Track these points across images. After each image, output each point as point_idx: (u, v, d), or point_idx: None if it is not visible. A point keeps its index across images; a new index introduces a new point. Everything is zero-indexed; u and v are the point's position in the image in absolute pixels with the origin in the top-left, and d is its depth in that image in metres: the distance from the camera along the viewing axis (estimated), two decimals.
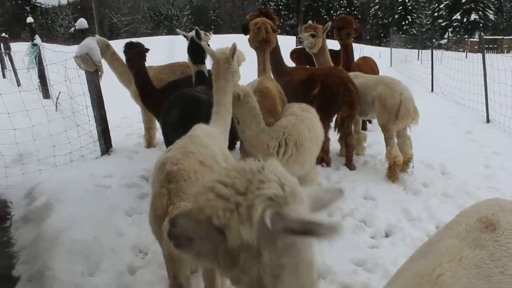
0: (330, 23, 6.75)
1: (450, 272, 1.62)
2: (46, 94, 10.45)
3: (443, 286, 1.58)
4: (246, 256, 1.18)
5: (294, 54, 9.27)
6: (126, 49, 5.75)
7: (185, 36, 6.02)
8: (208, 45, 5.90)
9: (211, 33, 6.83)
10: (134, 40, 6.14)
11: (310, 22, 6.90)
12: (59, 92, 8.55)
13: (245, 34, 5.87)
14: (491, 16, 61.31)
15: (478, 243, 1.70)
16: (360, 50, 21.13)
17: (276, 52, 5.92)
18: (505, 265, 1.63)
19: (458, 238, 1.76)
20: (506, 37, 45.44)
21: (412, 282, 1.65)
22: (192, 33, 5.83)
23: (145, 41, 6.30)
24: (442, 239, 1.86)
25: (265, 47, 5.28)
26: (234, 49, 3.42)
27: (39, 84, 10.57)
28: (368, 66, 8.16)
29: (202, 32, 5.93)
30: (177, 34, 6.20)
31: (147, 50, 5.94)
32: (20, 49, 11.86)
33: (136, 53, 5.70)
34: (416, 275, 1.68)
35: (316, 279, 1.32)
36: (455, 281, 1.59)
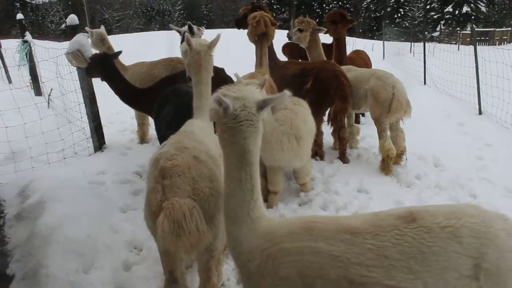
0: (325, 29, 6.81)
1: (320, 225, 1.93)
2: (37, 91, 10.37)
3: (305, 227, 1.93)
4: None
5: (286, 48, 9.25)
6: (92, 62, 5.48)
7: (178, 31, 5.98)
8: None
9: (203, 27, 6.82)
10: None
11: (300, 17, 6.90)
12: (51, 89, 8.50)
13: (238, 28, 5.85)
14: (483, 9, 61.48)
15: (376, 223, 1.86)
16: (352, 43, 21.13)
17: (269, 46, 5.91)
18: (382, 248, 1.77)
19: (371, 216, 1.95)
20: (497, 29, 45.63)
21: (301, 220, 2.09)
22: (185, 28, 5.80)
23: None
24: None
25: (263, 40, 5.27)
26: (217, 40, 3.43)
27: (31, 81, 10.48)
28: (361, 59, 8.16)
29: (195, 27, 5.91)
30: (170, 29, 6.17)
31: (115, 55, 5.76)
32: (10, 46, 11.75)
33: (104, 65, 5.45)
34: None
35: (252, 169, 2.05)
36: (316, 231, 1.89)
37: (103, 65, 5.41)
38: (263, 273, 1.95)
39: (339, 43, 7.25)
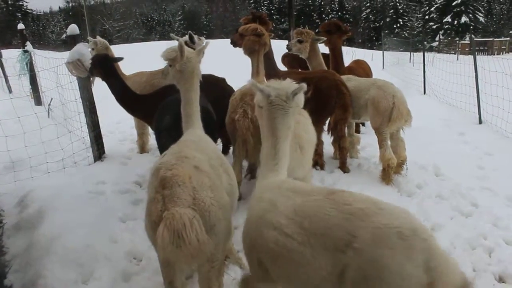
0: (325, 38, 6.78)
1: (286, 184, 2.52)
2: (37, 100, 10.37)
3: (278, 185, 2.51)
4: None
5: (286, 58, 9.27)
6: (93, 62, 5.50)
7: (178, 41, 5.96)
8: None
9: (204, 37, 6.83)
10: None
11: (298, 28, 6.92)
12: (51, 99, 8.49)
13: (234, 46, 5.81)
14: (481, 19, 61.95)
15: (315, 190, 2.31)
16: (352, 53, 21.21)
17: (269, 56, 5.91)
18: (297, 205, 2.21)
19: (324, 188, 2.40)
20: (496, 39, 45.95)
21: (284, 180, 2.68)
22: (186, 37, 5.82)
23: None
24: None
25: (260, 50, 5.26)
26: (206, 47, 3.53)
27: (31, 90, 10.49)
28: (362, 69, 8.17)
29: (195, 37, 5.93)
30: (170, 39, 6.18)
31: (116, 59, 5.80)
32: (11, 56, 11.78)
33: (104, 66, 5.49)
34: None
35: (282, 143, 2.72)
36: (280, 188, 2.45)
37: (103, 66, 5.46)
38: (247, 216, 2.55)
39: (335, 53, 7.26)
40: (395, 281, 1.78)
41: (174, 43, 6.17)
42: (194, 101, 3.38)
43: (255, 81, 2.77)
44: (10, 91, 12.32)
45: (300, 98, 2.76)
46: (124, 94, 5.48)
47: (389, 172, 5.46)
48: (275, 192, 2.42)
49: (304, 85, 2.72)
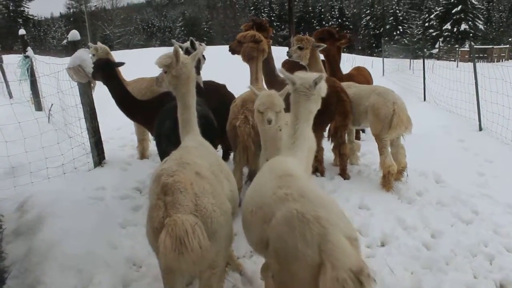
0: (325, 45, 6.76)
1: (276, 164, 2.87)
2: (38, 106, 10.37)
3: (274, 167, 2.81)
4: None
5: (286, 65, 9.28)
6: (95, 66, 5.58)
7: (180, 47, 5.99)
8: (204, 57, 5.90)
9: (204, 44, 6.85)
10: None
11: (298, 35, 6.92)
12: (52, 104, 8.50)
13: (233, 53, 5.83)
14: (481, 26, 62.14)
15: (275, 170, 2.74)
16: (352, 60, 21.24)
17: (269, 62, 5.92)
18: (260, 180, 2.80)
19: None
20: (495, 47, 46.11)
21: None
22: (187, 43, 5.83)
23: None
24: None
25: (259, 56, 5.27)
26: (201, 51, 3.56)
27: (31, 96, 10.49)
28: (362, 76, 8.17)
29: (197, 43, 5.94)
30: (170, 45, 6.20)
31: (118, 64, 5.83)
32: (12, 61, 11.80)
33: (106, 70, 5.56)
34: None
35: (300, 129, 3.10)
36: (272, 171, 2.76)
37: (105, 69, 5.49)
38: None
39: (329, 60, 7.28)
40: (292, 255, 2.13)
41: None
42: (192, 106, 3.38)
43: (283, 69, 3.12)
44: (11, 97, 12.33)
45: (322, 87, 3.15)
46: (124, 98, 5.51)
47: (390, 179, 5.46)
48: (265, 167, 2.95)
49: (323, 74, 3.13)
